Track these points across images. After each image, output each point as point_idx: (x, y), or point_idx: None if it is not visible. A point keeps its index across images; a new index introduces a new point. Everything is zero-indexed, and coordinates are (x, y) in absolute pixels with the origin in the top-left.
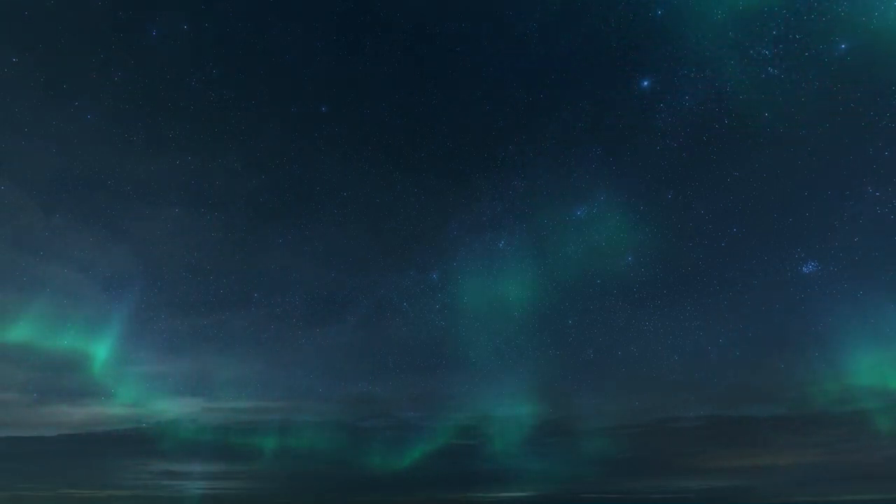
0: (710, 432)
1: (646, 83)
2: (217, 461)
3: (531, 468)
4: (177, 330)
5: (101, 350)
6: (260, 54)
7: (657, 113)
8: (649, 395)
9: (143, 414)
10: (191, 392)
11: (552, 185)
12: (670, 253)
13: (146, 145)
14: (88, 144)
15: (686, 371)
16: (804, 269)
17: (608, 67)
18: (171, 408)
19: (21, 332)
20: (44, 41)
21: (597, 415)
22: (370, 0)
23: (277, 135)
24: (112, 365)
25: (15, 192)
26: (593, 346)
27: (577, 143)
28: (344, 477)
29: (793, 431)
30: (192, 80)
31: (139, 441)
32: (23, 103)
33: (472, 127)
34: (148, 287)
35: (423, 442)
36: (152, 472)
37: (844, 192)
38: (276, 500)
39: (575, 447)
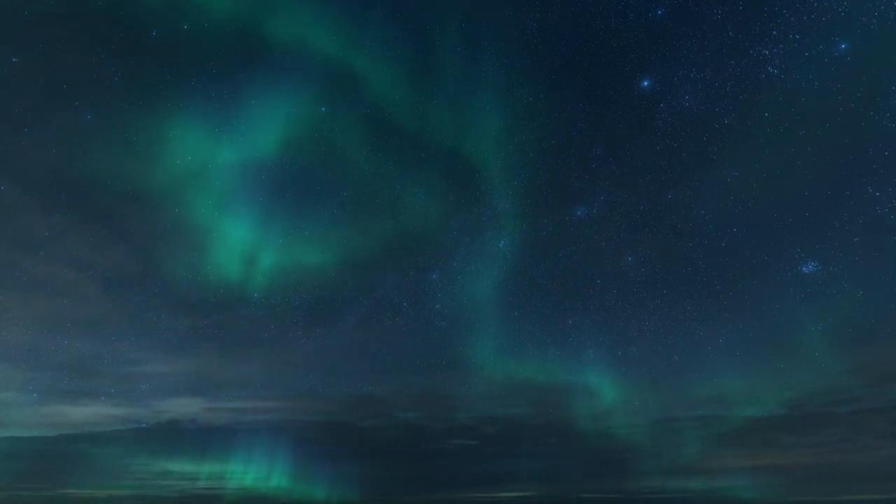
0: (710, 432)
1: (646, 83)
2: (217, 461)
3: (531, 468)
4: (177, 330)
5: (100, 350)
6: (259, 54)
7: (657, 113)
8: (650, 394)
9: (143, 414)
10: (191, 392)
11: (552, 185)
12: (670, 253)
13: (146, 145)
14: (88, 144)
15: (686, 371)
16: (804, 269)
17: (608, 67)
18: (171, 408)
19: (21, 332)
20: (44, 41)
21: (596, 415)
22: (370, 0)
23: (277, 134)
24: (112, 365)
25: (15, 192)
26: (593, 346)
27: (577, 143)
28: (344, 477)
29: (793, 431)
30: (191, 80)
31: (139, 441)
32: (23, 103)
33: (473, 126)
34: (148, 287)
35: (424, 442)
36: (152, 472)
37: (844, 192)
38: (276, 500)
39: (574, 447)
